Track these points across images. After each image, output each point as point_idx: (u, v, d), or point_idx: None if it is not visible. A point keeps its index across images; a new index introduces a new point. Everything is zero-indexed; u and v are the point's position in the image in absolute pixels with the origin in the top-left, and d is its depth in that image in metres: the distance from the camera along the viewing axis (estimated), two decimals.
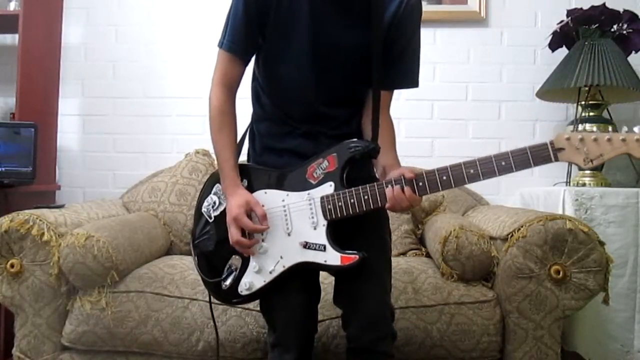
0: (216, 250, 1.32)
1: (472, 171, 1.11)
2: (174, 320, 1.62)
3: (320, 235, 1.20)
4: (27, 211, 1.68)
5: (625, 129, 1.06)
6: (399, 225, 2.10)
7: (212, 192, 1.36)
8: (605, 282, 1.51)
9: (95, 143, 2.60)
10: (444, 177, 1.13)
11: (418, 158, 2.43)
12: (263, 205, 1.25)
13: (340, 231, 1.22)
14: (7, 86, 2.40)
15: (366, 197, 1.17)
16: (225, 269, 1.29)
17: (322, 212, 1.21)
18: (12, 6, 2.35)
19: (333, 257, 1.19)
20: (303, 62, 1.25)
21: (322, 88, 1.28)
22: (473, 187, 2.37)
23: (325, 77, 1.27)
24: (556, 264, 1.52)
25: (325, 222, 1.21)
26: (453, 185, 1.13)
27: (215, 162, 2.30)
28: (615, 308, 1.81)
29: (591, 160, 1.05)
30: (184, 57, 2.57)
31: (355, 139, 1.23)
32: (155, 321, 1.62)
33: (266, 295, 1.29)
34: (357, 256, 1.17)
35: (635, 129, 1.04)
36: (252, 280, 1.26)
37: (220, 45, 1.28)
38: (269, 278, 1.25)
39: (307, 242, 1.21)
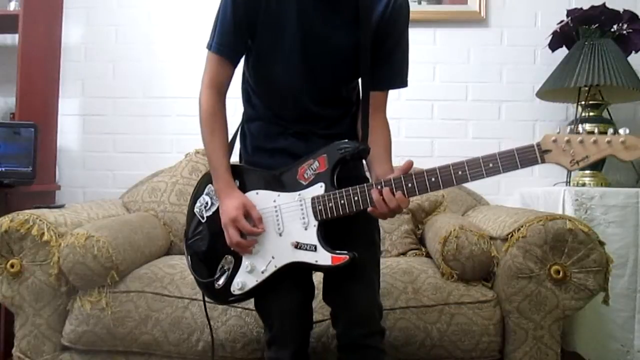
0: (209, 250, 1.33)
1: (460, 173, 1.12)
2: (174, 320, 1.62)
3: (311, 236, 1.21)
4: (27, 211, 1.68)
5: (610, 131, 1.05)
6: (399, 225, 2.10)
7: (205, 192, 1.36)
8: (605, 282, 1.51)
9: (95, 143, 2.60)
10: (433, 179, 1.14)
11: (418, 158, 2.39)
12: (255, 207, 1.26)
13: (331, 231, 1.23)
14: (7, 86, 2.40)
15: (356, 198, 1.18)
16: (218, 269, 1.30)
17: (313, 212, 1.22)
18: (12, 6, 2.35)
19: (324, 257, 1.19)
20: (292, 62, 1.26)
21: (311, 88, 1.28)
22: (473, 187, 2.37)
23: (315, 76, 1.27)
24: (556, 264, 1.52)
25: (316, 223, 1.21)
26: (442, 187, 1.14)
27: None
28: (615, 308, 1.81)
29: (577, 162, 1.04)
30: (184, 57, 2.57)
31: (345, 140, 1.24)
32: (155, 321, 1.62)
33: (260, 293, 1.30)
34: (348, 256, 1.18)
35: (621, 131, 1.04)
36: (245, 280, 1.27)
37: (209, 47, 1.28)
38: (261, 278, 1.26)
39: (298, 243, 1.22)
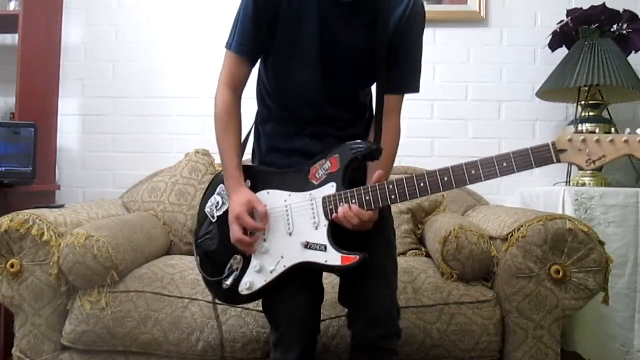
0: (218, 250, 1.33)
1: (473, 172, 1.11)
2: (174, 320, 1.62)
3: (321, 236, 1.21)
4: (27, 211, 1.68)
5: (628, 130, 1.06)
6: (399, 225, 2.10)
7: (216, 192, 1.37)
8: (605, 282, 1.51)
9: (95, 143, 2.60)
10: (446, 179, 1.13)
11: (418, 158, 2.44)
12: (266, 205, 1.26)
13: (347, 231, 1.22)
14: (7, 86, 2.40)
15: (367, 197, 1.18)
16: (227, 268, 1.30)
17: (324, 212, 1.21)
18: (12, 6, 2.35)
19: (334, 257, 1.19)
20: (311, 62, 1.26)
21: (329, 89, 1.29)
22: (473, 187, 2.37)
23: (333, 78, 1.28)
24: (556, 264, 1.52)
25: (326, 223, 1.21)
26: (455, 186, 1.14)
27: (216, 161, 2.32)
28: (615, 308, 1.81)
29: (594, 162, 1.05)
30: (184, 57, 2.57)
31: (358, 141, 1.24)
32: (155, 321, 1.62)
33: (269, 294, 1.29)
34: (358, 257, 1.17)
35: (639, 131, 1.04)
36: (253, 280, 1.27)
37: (229, 46, 1.29)
38: (269, 278, 1.25)
39: (308, 242, 1.22)
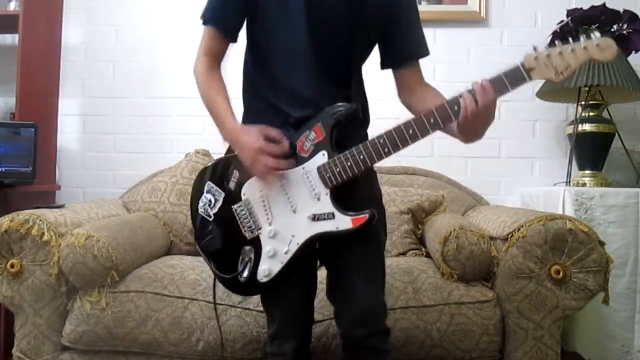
0: (225, 246, 1.31)
1: (456, 108, 1.21)
2: (174, 320, 1.62)
3: (326, 205, 1.20)
4: (27, 211, 1.68)
5: (596, 34, 1.11)
6: (399, 225, 2.10)
7: (205, 191, 1.33)
8: (605, 282, 1.52)
9: (95, 143, 2.60)
10: (432, 120, 1.24)
11: (418, 158, 2.43)
12: (261, 190, 1.24)
13: (343, 199, 1.21)
14: (7, 86, 2.40)
15: (362, 156, 1.18)
16: (240, 262, 1.28)
17: (322, 181, 1.20)
18: (12, 6, 2.35)
19: (344, 221, 1.18)
20: (299, 36, 1.23)
21: (319, 62, 1.25)
22: (473, 187, 2.37)
23: (323, 51, 1.25)
24: (556, 264, 1.52)
25: (327, 191, 1.20)
26: (441, 126, 1.25)
27: None
28: (615, 308, 1.81)
29: (561, 73, 1.11)
30: (184, 57, 2.55)
31: (337, 104, 1.22)
32: (155, 321, 1.62)
33: (286, 277, 1.27)
34: (367, 215, 1.17)
35: (593, 36, 1.09)
36: (270, 265, 1.24)
37: (204, 20, 1.27)
38: (285, 259, 1.23)
39: (314, 215, 1.21)
